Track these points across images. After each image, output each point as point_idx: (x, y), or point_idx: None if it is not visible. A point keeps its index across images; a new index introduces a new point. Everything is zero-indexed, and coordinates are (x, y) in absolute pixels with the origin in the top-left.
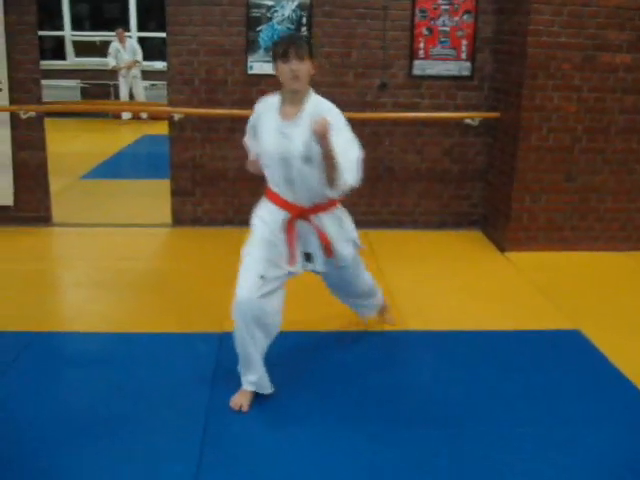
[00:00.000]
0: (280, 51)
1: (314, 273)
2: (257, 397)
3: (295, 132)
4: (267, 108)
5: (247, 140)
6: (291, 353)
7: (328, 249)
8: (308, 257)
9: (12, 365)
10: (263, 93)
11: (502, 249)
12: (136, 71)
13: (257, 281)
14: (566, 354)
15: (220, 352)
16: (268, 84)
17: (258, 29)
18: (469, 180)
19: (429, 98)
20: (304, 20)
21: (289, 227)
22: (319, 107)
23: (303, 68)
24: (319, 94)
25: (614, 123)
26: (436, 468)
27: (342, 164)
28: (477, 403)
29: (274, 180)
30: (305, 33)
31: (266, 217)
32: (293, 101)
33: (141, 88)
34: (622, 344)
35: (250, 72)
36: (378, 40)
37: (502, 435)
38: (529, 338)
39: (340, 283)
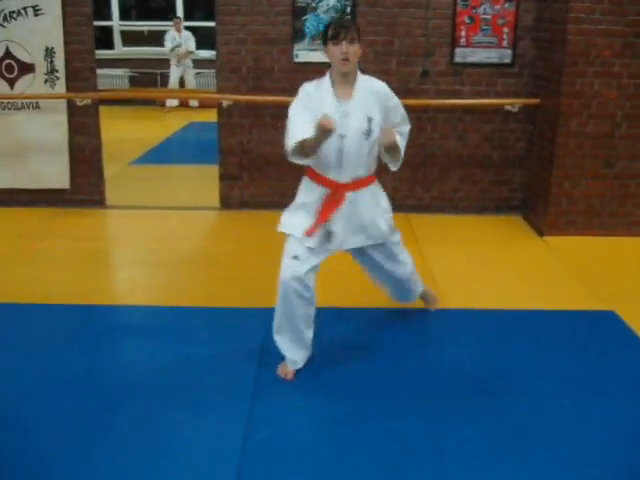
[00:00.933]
0: (331, 33)
1: (348, 252)
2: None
3: (353, 110)
4: (319, 90)
5: (296, 124)
6: (332, 328)
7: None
8: (329, 235)
9: (75, 335)
10: (309, 80)
11: (541, 233)
12: (188, 61)
13: (292, 262)
14: (601, 334)
15: (268, 326)
16: (314, 71)
17: (304, 18)
18: (509, 166)
19: (470, 85)
20: (348, 9)
21: (327, 199)
22: (372, 85)
23: (352, 50)
24: None
25: None
26: (474, 436)
27: (401, 144)
28: (513, 378)
29: (325, 158)
30: None
31: (307, 198)
32: (345, 82)
33: (192, 77)
34: None
35: (296, 60)
36: (420, 28)
37: (541, 407)
38: (565, 318)
39: (377, 265)
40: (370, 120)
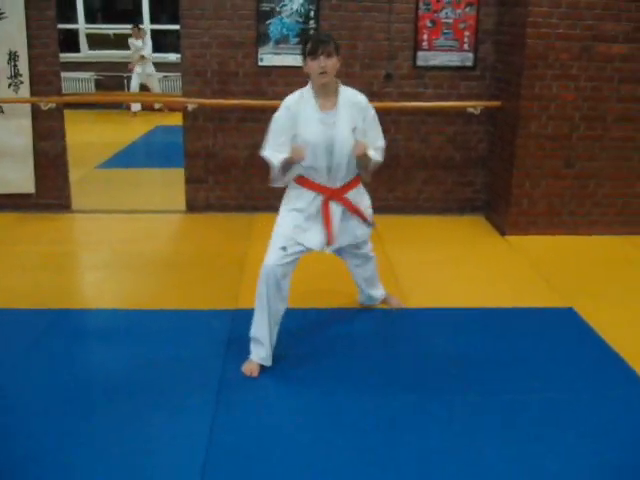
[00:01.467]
0: (309, 49)
1: (333, 253)
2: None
3: (338, 121)
4: (302, 104)
5: (274, 144)
6: (299, 327)
7: (361, 215)
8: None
9: (39, 340)
10: (273, 84)
11: (503, 233)
12: (150, 68)
13: (279, 252)
14: (559, 330)
15: (233, 327)
16: (278, 75)
17: (268, 22)
18: (472, 167)
19: (433, 88)
20: (312, 14)
21: (325, 207)
22: (353, 97)
23: (330, 64)
24: None
25: (611, 111)
26: (425, 430)
27: (373, 155)
28: (471, 372)
29: (314, 168)
30: (313, 26)
31: (297, 204)
32: (326, 93)
33: (156, 82)
34: (614, 322)
35: (260, 64)
36: (383, 32)
37: (497, 401)
38: (524, 314)
39: (360, 263)
40: (354, 129)
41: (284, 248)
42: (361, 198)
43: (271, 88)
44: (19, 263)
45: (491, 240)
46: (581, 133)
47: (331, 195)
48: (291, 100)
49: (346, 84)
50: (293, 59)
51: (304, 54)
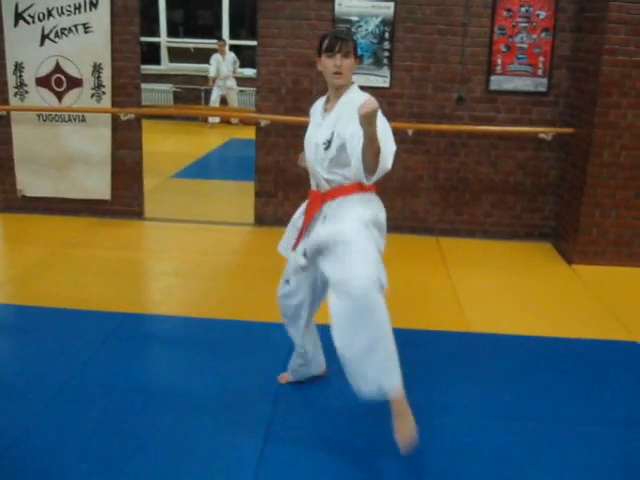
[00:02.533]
0: (326, 45)
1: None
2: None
3: (326, 122)
4: (316, 106)
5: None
6: None
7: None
8: (305, 252)
9: (106, 341)
10: None
11: (570, 262)
12: (231, 82)
13: (283, 284)
14: (623, 364)
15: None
16: None
17: None
18: (541, 193)
19: (505, 112)
20: (387, 35)
21: (307, 212)
22: (355, 97)
23: (347, 64)
24: (399, 105)
25: None
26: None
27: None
28: (532, 402)
29: (309, 170)
30: (387, 47)
31: (296, 215)
32: (336, 94)
33: (235, 95)
34: None
35: None
36: (457, 55)
37: (557, 432)
38: (588, 346)
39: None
40: (333, 133)
41: (287, 281)
42: (340, 214)
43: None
44: (91, 266)
45: (557, 268)
46: None
47: (315, 199)
48: (316, 102)
49: (418, 106)
50: (367, 79)
51: (319, 50)
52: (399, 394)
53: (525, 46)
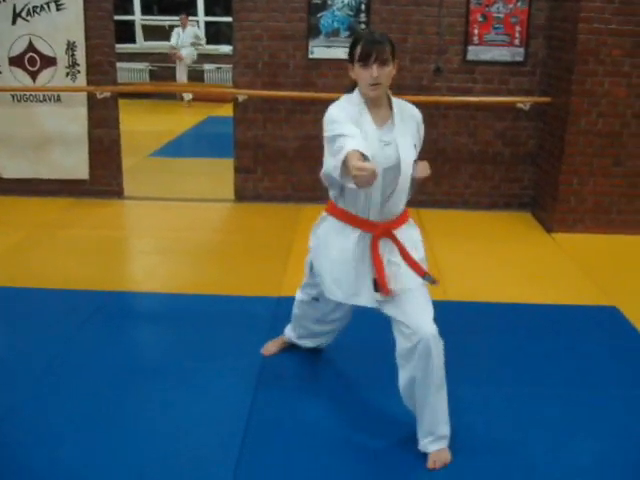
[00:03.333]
0: (360, 54)
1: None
2: (311, 366)
3: (399, 138)
4: (355, 111)
5: (347, 132)
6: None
7: (414, 265)
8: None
9: (90, 319)
10: (323, 76)
11: (549, 230)
12: (186, 52)
13: (313, 302)
14: (601, 327)
15: (277, 313)
16: (328, 67)
17: (319, 15)
18: (520, 163)
19: (482, 83)
20: (362, 7)
21: (374, 249)
22: (409, 109)
23: (385, 73)
24: None
25: None
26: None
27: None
28: (514, 367)
29: (364, 196)
30: (364, 19)
31: (339, 245)
32: (378, 105)
33: (184, 69)
34: None
35: (311, 56)
36: (433, 26)
37: (539, 394)
38: (567, 311)
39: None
40: (415, 147)
41: (316, 299)
42: (412, 237)
43: (321, 80)
44: (72, 246)
45: (537, 237)
46: (632, 131)
47: (382, 233)
48: (342, 107)
49: (396, 78)
50: (343, 52)
51: (351, 56)
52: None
53: (501, 16)
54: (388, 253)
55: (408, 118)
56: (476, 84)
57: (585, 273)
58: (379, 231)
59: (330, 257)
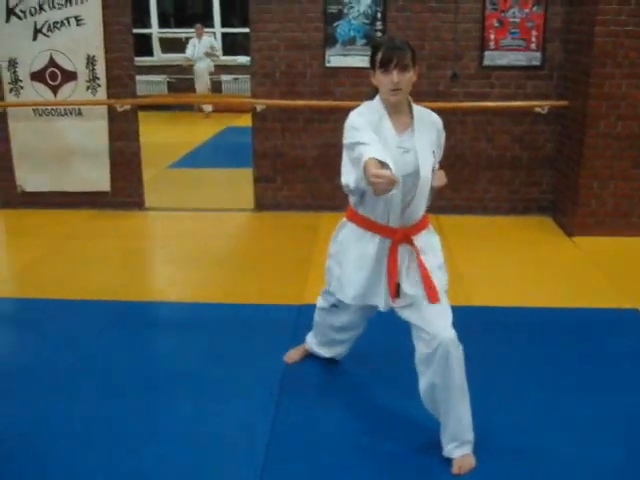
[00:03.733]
0: (380, 60)
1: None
2: (332, 373)
3: (418, 144)
4: (375, 118)
5: (365, 140)
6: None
7: (427, 279)
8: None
9: (111, 327)
10: (341, 85)
11: (570, 234)
12: (203, 64)
13: (332, 309)
14: (623, 330)
15: (298, 322)
16: (345, 76)
17: (335, 24)
18: (538, 167)
19: (499, 88)
20: (378, 15)
21: (391, 254)
22: (428, 116)
23: (406, 79)
24: None
25: None
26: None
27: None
28: (538, 371)
29: (382, 203)
30: (380, 27)
31: (356, 249)
32: (399, 111)
33: (206, 79)
34: None
35: (328, 65)
36: (449, 32)
37: (560, 399)
38: (588, 315)
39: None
40: (434, 155)
41: (335, 305)
42: (431, 243)
43: (338, 89)
44: (94, 257)
45: (557, 241)
46: None
47: (401, 239)
48: (363, 114)
49: (413, 84)
50: (360, 60)
51: (372, 63)
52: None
53: (517, 20)
54: (408, 259)
55: (428, 125)
56: (493, 89)
57: (606, 276)
58: (398, 237)
59: (349, 261)
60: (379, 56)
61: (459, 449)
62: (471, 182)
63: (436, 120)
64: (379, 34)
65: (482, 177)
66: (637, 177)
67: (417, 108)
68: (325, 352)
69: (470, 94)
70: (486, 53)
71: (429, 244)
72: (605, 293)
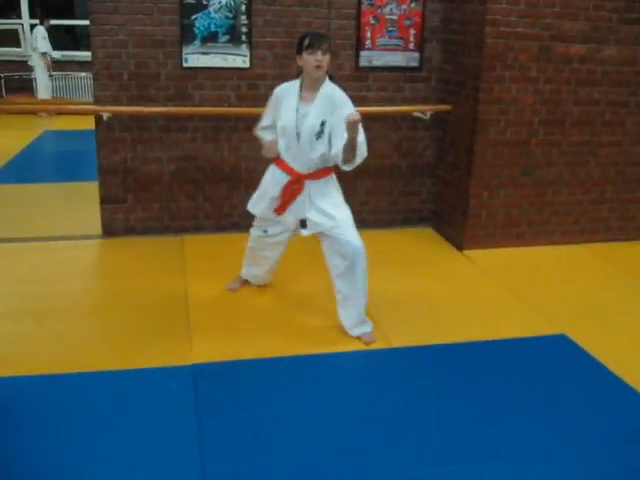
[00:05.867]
0: (307, 43)
1: (314, 235)
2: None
3: (311, 112)
4: (287, 93)
5: (264, 124)
6: (274, 380)
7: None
8: (303, 223)
9: None
10: (200, 88)
11: (460, 247)
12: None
13: (259, 231)
14: (555, 357)
15: (197, 388)
16: (205, 77)
17: (193, 17)
18: (418, 175)
19: (376, 91)
20: (243, 8)
21: (287, 185)
22: (333, 92)
23: (326, 59)
24: (262, 87)
25: (569, 115)
26: None
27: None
28: (474, 416)
29: (285, 150)
30: (245, 22)
31: (270, 178)
32: (312, 87)
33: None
34: (605, 343)
35: (185, 65)
36: (322, 29)
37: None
38: (514, 346)
39: (335, 250)
40: (323, 123)
41: (266, 231)
42: (326, 191)
43: (198, 92)
44: None
45: (451, 256)
46: (540, 138)
47: (297, 178)
48: (279, 88)
49: (278, 85)
50: (223, 59)
51: (300, 48)
52: None
53: (395, 17)
54: (303, 201)
55: (328, 99)
56: (370, 92)
57: (515, 296)
58: (295, 176)
59: (263, 185)
60: (307, 41)
61: (364, 326)
62: (348, 193)
63: (336, 96)
64: (244, 30)
65: (360, 188)
66: (526, 184)
67: (328, 87)
68: (250, 272)
69: None
70: (362, 53)
71: (321, 190)
72: (527, 320)
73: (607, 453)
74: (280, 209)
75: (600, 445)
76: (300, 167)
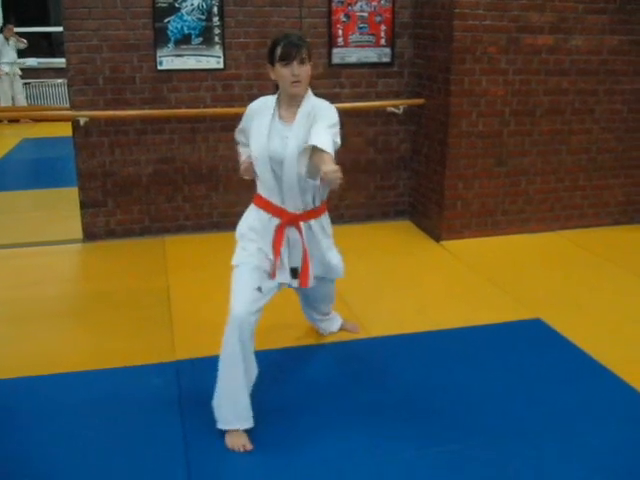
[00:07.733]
0: (280, 54)
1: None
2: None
3: (292, 134)
4: (262, 109)
5: (239, 143)
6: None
7: (304, 270)
8: (295, 273)
9: None
10: (176, 90)
11: (437, 238)
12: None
13: (254, 294)
14: (528, 340)
15: (180, 383)
16: (180, 80)
17: (166, 20)
18: (394, 169)
19: (349, 87)
20: (215, 10)
21: (277, 234)
22: (315, 107)
23: (304, 71)
24: (237, 87)
25: (539, 105)
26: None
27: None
28: (453, 402)
29: (265, 183)
30: (217, 23)
31: (257, 225)
32: (292, 104)
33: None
34: (580, 327)
35: (160, 68)
36: (295, 28)
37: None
38: (492, 331)
39: (319, 297)
40: (302, 146)
41: (260, 289)
42: (326, 233)
43: (173, 95)
44: None
45: (427, 247)
46: (511, 129)
47: (288, 221)
48: (254, 104)
49: (258, 87)
50: (197, 61)
51: (271, 58)
52: None
53: (365, 14)
54: (295, 247)
55: (309, 115)
56: (343, 89)
57: (492, 283)
58: (286, 218)
59: (251, 236)
60: (278, 51)
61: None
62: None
63: (321, 107)
64: (217, 31)
65: None
66: (499, 174)
67: (309, 101)
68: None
69: (320, 95)
70: (334, 50)
71: (318, 233)
72: (504, 306)
73: (591, 434)
74: (275, 269)
75: (583, 425)
76: (286, 204)
